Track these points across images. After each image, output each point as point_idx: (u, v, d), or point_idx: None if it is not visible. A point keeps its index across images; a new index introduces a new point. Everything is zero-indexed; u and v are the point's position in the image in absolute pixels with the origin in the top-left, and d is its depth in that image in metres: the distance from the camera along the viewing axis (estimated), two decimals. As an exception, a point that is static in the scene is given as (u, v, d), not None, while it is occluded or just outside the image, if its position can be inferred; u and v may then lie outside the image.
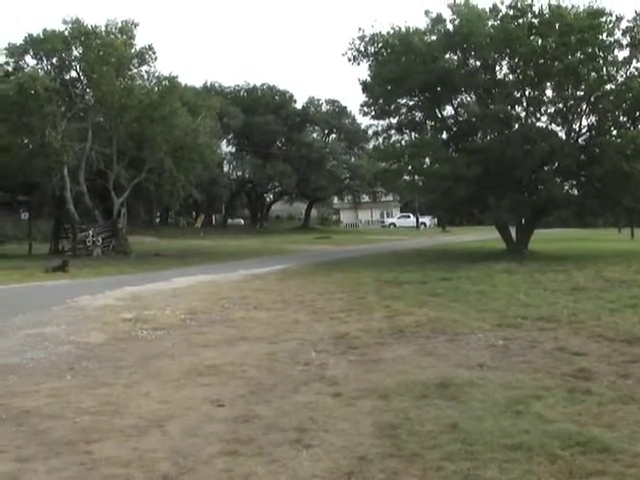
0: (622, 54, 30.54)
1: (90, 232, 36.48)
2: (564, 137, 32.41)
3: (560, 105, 32.19)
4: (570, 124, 32.26)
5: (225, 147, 70.92)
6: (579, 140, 32.49)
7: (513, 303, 15.13)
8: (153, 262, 31.86)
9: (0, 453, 6.25)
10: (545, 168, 31.99)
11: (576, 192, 34.06)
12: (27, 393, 8.30)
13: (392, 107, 34.24)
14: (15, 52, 38.44)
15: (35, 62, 38.85)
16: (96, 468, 5.83)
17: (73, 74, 39.59)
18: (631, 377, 8.43)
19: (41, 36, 37.65)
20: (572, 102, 31.51)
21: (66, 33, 37.51)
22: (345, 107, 78.08)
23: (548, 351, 10.09)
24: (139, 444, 6.43)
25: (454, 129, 34.30)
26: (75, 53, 38.25)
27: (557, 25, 29.60)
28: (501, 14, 30.91)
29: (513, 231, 33.87)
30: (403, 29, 32.17)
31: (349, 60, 33.30)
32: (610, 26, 29.58)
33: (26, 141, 38.75)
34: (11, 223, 46.12)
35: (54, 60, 38.68)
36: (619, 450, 5.85)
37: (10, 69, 38.53)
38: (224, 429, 6.82)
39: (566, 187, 34.02)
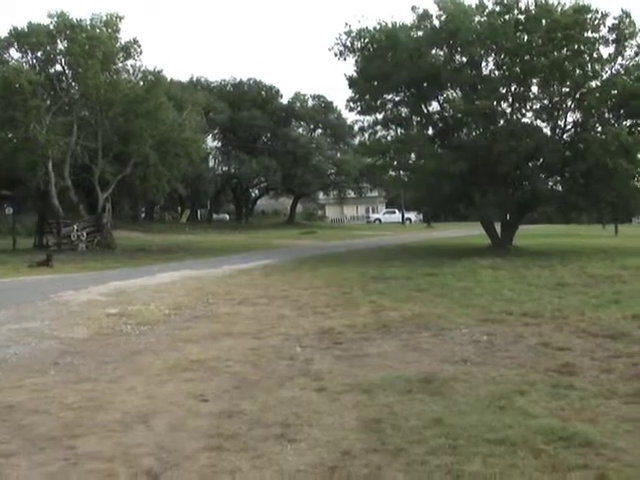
0: (607, 51, 30.73)
1: (75, 227, 36.34)
2: (549, 133, 32.57)
3: (545, 101, 32.30)
4: (555, 120, 32.38)
5: (211, 142, 70.53)
6: (564, 136, 32.61)
7: (498, 298, 15.20)
8: (138, 257, 31.77)
9: (-17, 448, 6.22)
10: (530, 164, 32.11)
11: (560, 188, 34.19)
12: (10, 388, 8.27)
13: (378, 103, 34.22)
14: (0, 45, 38.25)
15: (20, 55, 38.68)
16: (80, 463, 5.82)
17: (58, 68, 39.32)
18: (614, 372, 8.49)
19: (26, 29, 37.46)
20: (557, 98, 31.62)
21: (51, 27, 37.31)
22: (331, 102, 77.90)
23: (532, 346, 10.13)
24: (123, 439, 6.43)
25: (440, 125, 34.33)
26: (60, 47, 38.00)
27: (543, 21, 29.70)
28: (487, 10, 30.97)
29: (498, 227, 33.95)
30: (390, 25, 32.17)
31: (335, 55, 33.29)
32: (596, 23, 29.69)
33: (10, 135, 38.52)
34: (-6, 218, 45.89)
35: (39, 54, 38.43)
36: (601, 445, 5.89)
37: (-6, 62, 38.33)
38: (208, 424, 6.82)
39: (551, 183, 34.15)
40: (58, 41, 37.74)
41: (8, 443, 6.33)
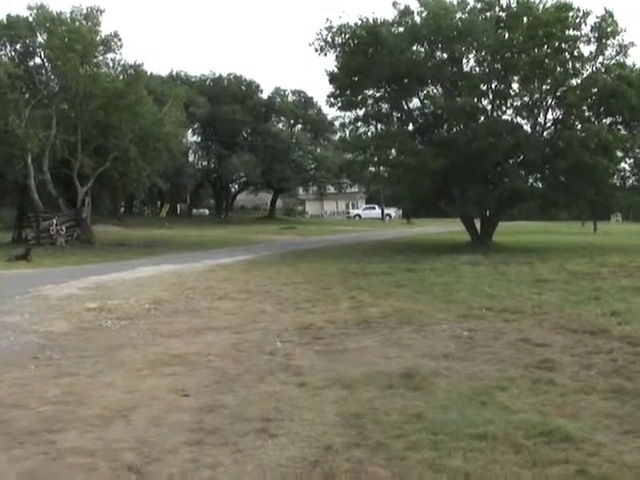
0: (588, 49, 30.91)
1: (54, 221, 36.14)
2: (529, 130, 32.69)
3: (526, 98, 32.45)
4: (535, 117, 32.58)
5: (191, 137, 70.44)
6: (544, 133, 32.81)
7: (477, 294, 15.26)
8: (117, 252, 31.62)
9: (-38, 443, 6.17)
10: (510, 161, 32.24)
11: (541, 185, 34.35)
12: (-12, 383, 8.21)
13: (359, 98, 34.21)
14: (-22, 38, 37.94)
15: (-2, 48, 38.37)
16: (60, 458, 5.79)
17: (37, 61, 39.22)
18: (593, 368, 8.54)
19: (5, 22, 37.18)
20: (538, 96, 31.77)
21: (31, 19, 37.09)
22: (311, 98, 77.92)
23: (512, 342, 10.18)
24: (104, 434, 6.39)
25: (420, 121, 34.42)
26: (40, 40, 37.82)
27: (524, 19, 29.87)
28: (468, 7, 31.16)
29: (478, 223, 34.07)
30: (371, 20, 32.15)
31: (316, 50, 33.21)
32: (577, 21, 29.86)
33: (-12, 128, 38.22)
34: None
35: (18, 46, 38.24)
36: (582, 440, 5.93)
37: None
38: (189, 419, 6.80)
39: (531, 180, 34.28)
40: (38, 34, 37.52)
41: (-14, 438, 6.29)
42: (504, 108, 33.09)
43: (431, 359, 9.12)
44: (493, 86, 32.11)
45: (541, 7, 30.10)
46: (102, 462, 5.68)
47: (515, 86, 32.41)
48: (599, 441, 5.93)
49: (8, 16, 37.30)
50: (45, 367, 9.05)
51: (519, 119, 33.31)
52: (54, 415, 6.95)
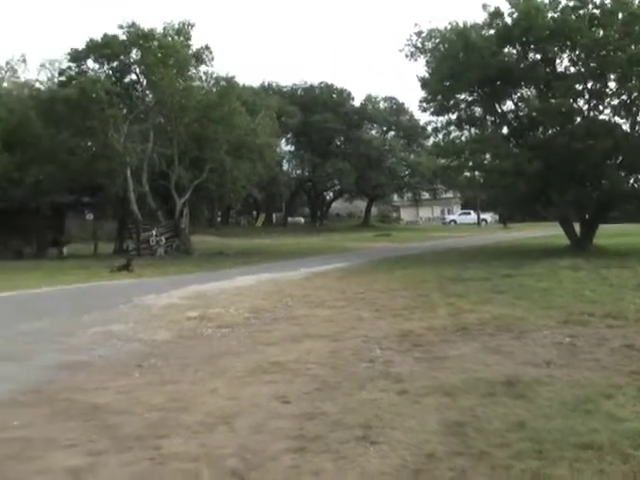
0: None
1: (153, 232, 37.03)
2: (628, 130, 31.82)
3: (624, 97, 31.57)
4: (634, 116, 31.66)
5: (284, 146, 71.24)
6: (644, 133, 31.87)
7: (579, 300, 14.89)
8: (215, 261, 32.15)
9: (72, 447, 6.36)
10: (608, 162, 31.44)
11: (641, 186, 33.42)
12: (96, 389, 8.44)
13: (451, 103, 33.98)
14: (77, 57, 39.33)
15: (97, 66, 39.68)
16: (165, 463, 5.91)
17: (133, 77, 40.34)
18: None
19: (100, 41, 38.35)
20: (636, 94, 30.88)
21: (124, 37, 38.19)
22: (403, 104, 78.04)
23: (616, 348, 9.90)
24: (207, 440, 6.49)
25: (514, 124, 33.94)
26: (134, 56, 38.87)
27: (619, 15, 29.09)
28: (561, 6, 30.50)
29: (577, 227, 33.36)
30: (460, 24, 31.96)
31: (406, 56, 33.27)
32: (677, 14, 28.93)
33: (89, 144, 39.46)
34: (76, 224, 46.87)
35: (114, 64, 39.39)
36: (694, 449, 5.73)
37: (73, 74, 39.29)
38: (290, 426, 6.84)
39: (631, 181, 33.36)
40: (132, 51, 38.58)
41: (97, 442, 6.46)
42: (601, 108, 32.33)
43: (532, 366, 8.95)
44: (589, 86, 31.37)
45: (637, 2, 29.27)
46: (206, 468, 5.77)
47: (612, 85, 31.60)
48: None
49: (104, 35, 38.52)
50: (149, 374, 9.26)
51: (617, 119, 32.51)
52: (159, 421, 7.10)
